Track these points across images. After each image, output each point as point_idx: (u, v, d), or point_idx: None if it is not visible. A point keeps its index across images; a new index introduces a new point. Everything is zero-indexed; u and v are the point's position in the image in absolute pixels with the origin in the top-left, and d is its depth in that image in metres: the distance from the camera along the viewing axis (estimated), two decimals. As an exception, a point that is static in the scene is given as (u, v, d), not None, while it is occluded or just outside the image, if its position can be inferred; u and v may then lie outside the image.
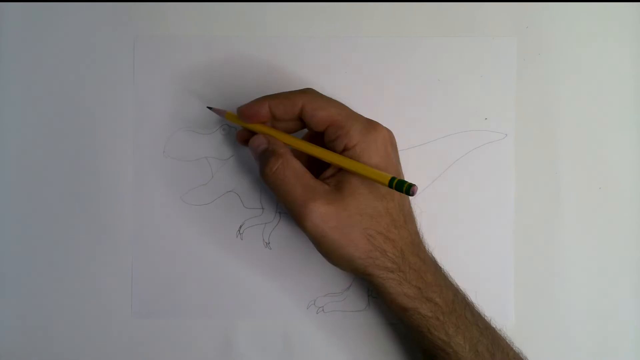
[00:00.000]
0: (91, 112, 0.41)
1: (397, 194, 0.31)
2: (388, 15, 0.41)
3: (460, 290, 0.36)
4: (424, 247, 0.34)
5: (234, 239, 0.40)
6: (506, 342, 0.35)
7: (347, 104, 0.40)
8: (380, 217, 0.31)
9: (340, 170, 0.32)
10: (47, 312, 0.40)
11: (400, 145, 0.41)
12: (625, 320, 0.41)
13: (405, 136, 0.41)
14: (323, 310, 0.40)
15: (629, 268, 0.41)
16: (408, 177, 0.41)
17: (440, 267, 0.35)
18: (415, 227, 0.34)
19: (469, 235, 0.41)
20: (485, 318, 0.35)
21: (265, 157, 0.32)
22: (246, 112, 0.33)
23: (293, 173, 0.31)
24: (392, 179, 0.27)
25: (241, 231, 0.40)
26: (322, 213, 0.30)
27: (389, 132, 0.34)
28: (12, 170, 0.41)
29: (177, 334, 0.40)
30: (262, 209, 0.40)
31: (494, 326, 0.35)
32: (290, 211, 0.32)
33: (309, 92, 0.33)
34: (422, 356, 0.36)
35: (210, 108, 0.38)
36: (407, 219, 0.32)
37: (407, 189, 0.26)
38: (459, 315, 0.32)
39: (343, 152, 0.32)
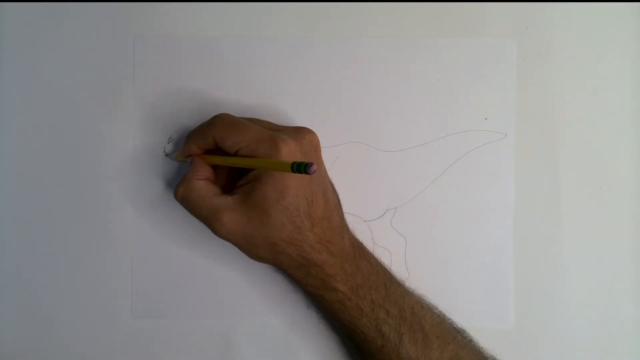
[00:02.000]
0: (91, 112, 0.41)
1: (302, 203, 0.34)
2: (388, 16, 0.41)
3: (382, 272, 0.37)
4: (339, 240, 0.36)
5: (234, 239, 0.40)
6: (431, 324, 0.36)
7: (346, 105, 0.41)
8: (283, 226, 0.34)
9: (249, 183, 0.34)
10: (47, 312, 0.40)
11: (400, 145, 0.41)
12: (626, 320, 0.41)
13: (406, 136, 0.41)
14: (323, 310, 0.40)
15: (629, 268, 0.41)
16: (408, 177, 0.41)
17: (358, 253, 0.37)
18: (328, 225, 0.35)
19: (469, 235, 0.41)
20: (409, 298, 0.37)
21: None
22: (183, 153, 0.38)
23: (196, 195, 0.35)
24: (292, 164, 0.28)
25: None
26: (227, 227, 0.34)
27: (297, 146, 0.34)
28: (12, 170, 0.41)
29: (177, 334, 0.40)
30: (262, 209, 0.40)
31: (424, 306, 0.37)
32: (205, 225, 0.35)
33: (217, 122, 0.35)
34: (341, 335, 0.40)
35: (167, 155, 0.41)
36: (316, 223, 0.35)
37: (305, 168, 0.28)
38: (363, 300, 0.35)
39: (258, 175, 0.34)
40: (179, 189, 0.36)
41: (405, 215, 0.41)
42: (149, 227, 0.40)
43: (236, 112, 0.40)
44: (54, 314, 0.40)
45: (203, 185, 0.36)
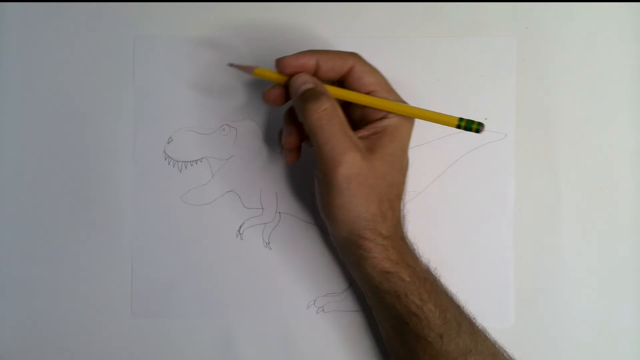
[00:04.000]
0: (91, 112, 0.41)
1: (406, 172, 0.34)
2: (388, 15, 0.41)
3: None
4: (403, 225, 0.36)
5: (234, 239, 0.40)
6: (471, 316, 0.36)
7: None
8: (394, 186, 0.33)
9: (374, 134, 0.33)
10: (47, 312, 0.40)
11: (400, 145, 0.41)
12: (626, 320, 0.41)
13: (405, 136, 0.41)
14: (323, 310, 0.40)
15: (628, 268, 0.41)
16: (408, 177, 0.41)
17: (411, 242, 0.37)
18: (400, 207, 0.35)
19: (468, 235, 0.41)
20: (450, 291, 0.37)
21: (310, 98, 0.31)
22: (292, 62, 0.32)
23: (339, 119, 0.31)
24: (460, 119, 0.28)
25: (241, 231, 0.40)
26: (356, 166, 0.31)
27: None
28: (12, 171, 0.41)
29: (177, 334, 0.40)
30: (262, 209, 0.40)
31: (458, 300, 0.37)
32: (324, 156, 0.31)
33: (357, 55, 0.33)
34: (388, 330, 0.36)
35: (232, 65, 0.34)
36: (402, 195, 0.34)
37: (477, 128, 0.27)
38: (432, 282, 0.34)
39: (376, 120, 0.33)
40: (320, 105, 0.30)
41: (405, 215, 0.41)
42: (149, 227, 0.40)
43: (236, 112, 0.40)
44: (54, 314, 0.40)
45: (343, 113, 0.32)
